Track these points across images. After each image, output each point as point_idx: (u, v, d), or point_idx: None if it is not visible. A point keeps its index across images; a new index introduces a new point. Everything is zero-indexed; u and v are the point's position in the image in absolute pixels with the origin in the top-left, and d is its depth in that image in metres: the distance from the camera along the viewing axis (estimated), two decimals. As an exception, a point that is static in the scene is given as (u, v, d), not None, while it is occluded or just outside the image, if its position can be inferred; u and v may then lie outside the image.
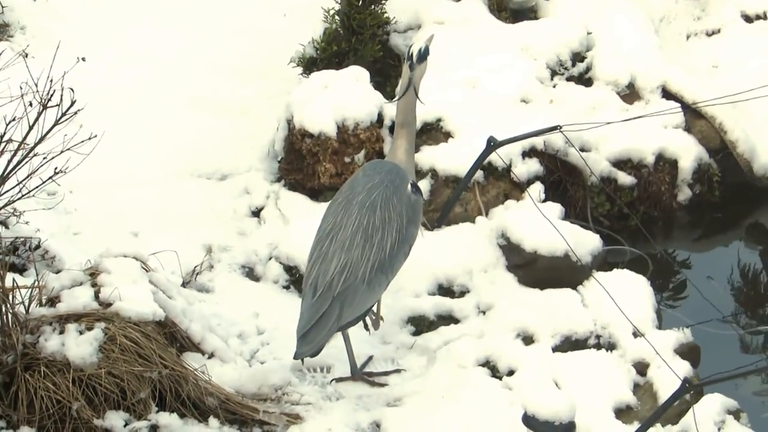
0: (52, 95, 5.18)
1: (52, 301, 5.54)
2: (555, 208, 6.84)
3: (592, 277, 6.53)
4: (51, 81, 5.19)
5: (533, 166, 7.14)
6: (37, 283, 5.60)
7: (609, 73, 7.84)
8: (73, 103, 5.18)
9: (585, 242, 6.67)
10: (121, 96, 7.80)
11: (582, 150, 7.29)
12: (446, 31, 7.81)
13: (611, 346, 6.27)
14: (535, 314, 6.35)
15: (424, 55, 5.86)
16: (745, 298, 7.18)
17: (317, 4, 7.97)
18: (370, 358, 6.07)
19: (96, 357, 5.35)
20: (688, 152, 7.51)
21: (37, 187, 5.41)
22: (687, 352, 6.18)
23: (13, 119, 5.20)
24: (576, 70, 7.95)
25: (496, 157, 6.91)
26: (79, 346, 5.34)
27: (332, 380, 5.94)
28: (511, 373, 6.02)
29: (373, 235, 5.59)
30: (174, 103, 7.89)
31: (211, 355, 5.78)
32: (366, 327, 6.11)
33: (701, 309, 6.83)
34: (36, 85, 5.19)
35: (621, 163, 7.45)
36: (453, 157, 7.02)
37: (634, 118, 7.26)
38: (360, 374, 5.95)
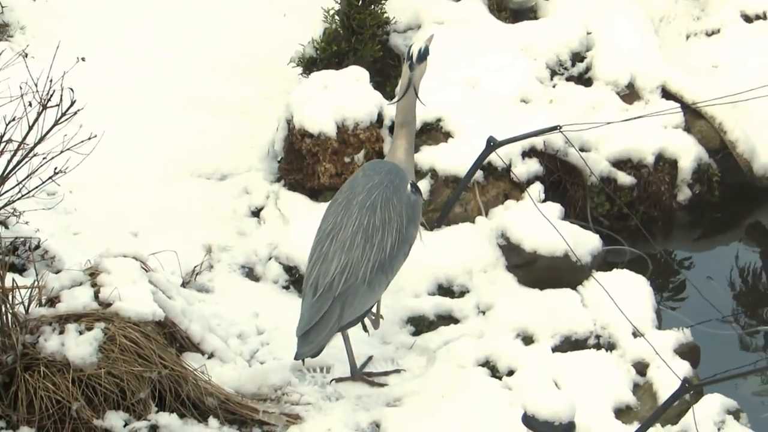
0: (51, 95, 5.18)
1: (52, 301, 5.53)
2: (555, 208, 6.84)
3: (592, 277, 6.53)
4: (51, 81, 5.19)
5: (533, 166, 7.14)
6: (36, 283, 5.59)
7: (609, 73, 7.85)
8: (72, 103, 5.18)
9: (585, 242, 6.67)
10: (121, 96, 7.80)
11: (582, 150, 7.29)
12: (446, 31, 7.82)
13: (611, 346, 6.27)
14: (535, 314, 6.35)
15: (423, 55, 5.86)
16: (744, 298, 7.18)
17: (317, 4, 7.97)
18: (370, 358, 6.07)
19: (96, 357, 5.35)
20: (688, 152, 7.51)
21: (36, 187, 5.41)
22: (687, 352, 6.18)
23: (13, 119, 5.20)
24: (576, 70, 7.95)
25: (496, 157, 6.91)
26: (79, 346, 5.33)
27: (332, 380, 5.94)
28: (510, 373, 6.02)
29: (373, 235, 5.59)
30: (174, 103, 7.89)
31: (211, 355, 5.78)
32: (365, 329, 6.10)
33: (701, 309, 6.83)
34: (36, 85, 5.18)
35: (621, 163, 7.45)
36: (453, 157, 7.02)
37: (634, 118, 7.26)
38: (360, 374, 5.95)
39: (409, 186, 5.78)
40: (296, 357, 5.57)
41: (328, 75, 7.27)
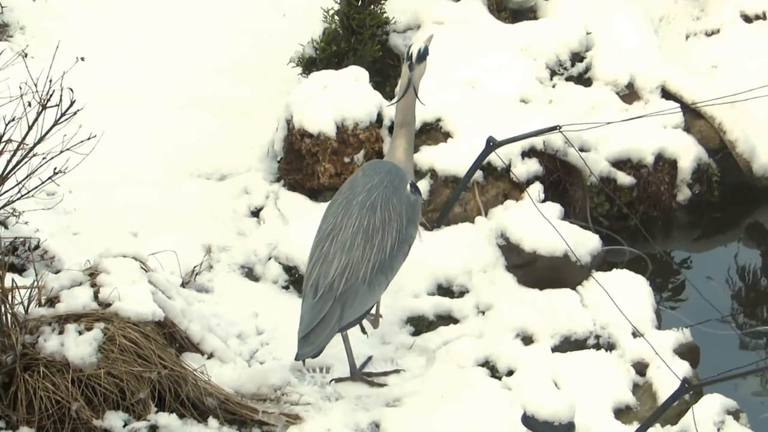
0: (51, 95, 5.18)
1: (52, 301, 5.53)
2: (554, 208, 6.84)
3: (592, 277, 6.53)
4: (50, 81, 5.18)
5: (533, 166, 7.14)
6: (36, 283, 5.59)
7: (608, 73, 7.84)
8: (72, 103, 5.18)
9: (584, 242, 6.67)
10: (121, 96, 7.80)
11: (581, 150, 7.29)
12: (446, 31, 7.81)
13: (611, 347, 6.27)
14: (535, 314, 6.35)
15: (423, 55, 5.85)
16: (744, 298, 7.18)
17: (317, 4, 7.97)
18: (370, 358, 6.07)
19: (95, 357, 5.35)
20: (688, 152, 7.51)
21: (36, 187, 5.41)
22: (686, 352, 6.18)
23: (13, 119, 5.20)
24: (575, 70, 7.95)
25: (496, 157, 6.91)
26: (79, 347, 5.33)
27: (331, 380, 5.94)
28: (510, 373, 6.02)
29: (373, 235, 5.59)
30: (174, 103, 7.89)
31: (211, 356, 5.78)
32: (363, 330, 6.10)
33: (700, 309, 6.82)
34: (35, 85, 5.18)
35: (620, 163, 7.44)
36: (452, 157, 7.02)
37: (634, 118, 7.26)
38: (359, 374, 5.95)
39: (408, 186, 5.78)
40: (297, 358, 5.57)
41: (327, 75, 7.27)
